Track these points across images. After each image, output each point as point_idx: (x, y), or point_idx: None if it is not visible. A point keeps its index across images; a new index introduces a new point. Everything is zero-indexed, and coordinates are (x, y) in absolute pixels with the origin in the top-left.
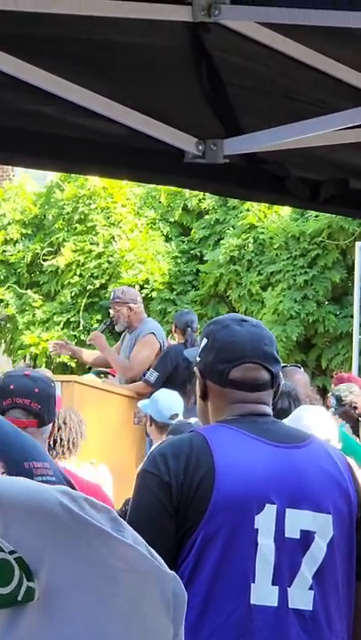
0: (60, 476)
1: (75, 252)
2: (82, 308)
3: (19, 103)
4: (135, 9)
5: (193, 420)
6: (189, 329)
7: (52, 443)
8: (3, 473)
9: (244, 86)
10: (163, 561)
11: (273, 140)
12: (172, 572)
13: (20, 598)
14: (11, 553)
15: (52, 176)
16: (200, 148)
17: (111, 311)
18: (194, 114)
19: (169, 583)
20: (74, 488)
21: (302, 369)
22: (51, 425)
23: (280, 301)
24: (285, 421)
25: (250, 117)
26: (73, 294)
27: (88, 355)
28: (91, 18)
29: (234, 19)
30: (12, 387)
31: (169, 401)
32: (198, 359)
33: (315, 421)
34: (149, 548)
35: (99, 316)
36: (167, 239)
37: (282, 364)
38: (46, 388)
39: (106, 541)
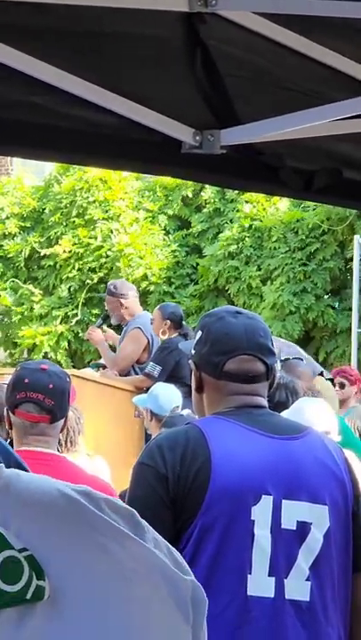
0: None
1: (74, 245)
2: (81, 303)
3: (15, 94)
4: None
5: (185, 411)
6: (184, 322)
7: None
8: None
9: (241, 77)
10: (185, 564)
11: (270, 131)
12: (192, 577)
13: (28, 597)
14: (21, 551)
15: (51, 168)
16: (197, 138)
17: (106, 305)
18: (191, 104)
19: (187, 588)
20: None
21: (305, 361)
22: (63, 420)
23: (279, 295)
24: (286, 413)
25: (247, 108)
26: (71, 289)
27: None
28: (86, 8)
29: (231, 9)
30: (26, 380)
31: (169, 394)
32: (193, 352)
33: (316, 414)
34: (172, 550)
35: (97, 310)
36: (166, 233)
37: (285, 357)
38: (61, 383)
39: (123, 543)
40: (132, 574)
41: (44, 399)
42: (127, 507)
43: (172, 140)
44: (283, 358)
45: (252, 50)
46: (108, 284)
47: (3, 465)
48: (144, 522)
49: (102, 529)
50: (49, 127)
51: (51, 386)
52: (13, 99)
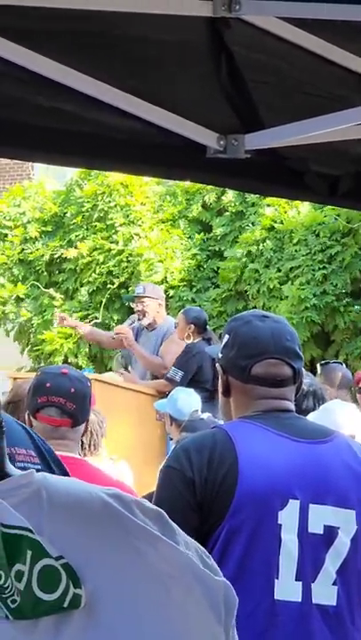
0: (49, 466)
1: (95, 250)
2: (102, 306)
3: (36, 99)
4: (155, 4)
5: (205, 415)
6: (208, 326)
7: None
8: None
9: (265, 82)
10: (215, 565)
11: (295, 135)
12: (223, 578)
13: (65, 605)
14: (57, 559)
15: (72, 173)
16: (221, 143)
17: (137, 306)
18: (214, 109)
19: (220, 590)
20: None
21: (343, 365)
22: (84, 424)
23: (299, 295)
24: (316, 413)
25: (271, 113)
26: (91, 292)
27: (85, 328)
28: (110, 13)
29: (255, 14)
30: (48, 384)
31: (187, 399)
32: (220, 356)
33: (346, 417)
34: (201, 552)
35: (118, 315)
36: (189, 237)
37: (325, 361)
38: (83, 387)
39: (155, 545)
40: (166, 577)
41: (66, 403)
42: (155, 508)
43: (194, 145)
44: (323, 362)
45: (277, 55)
46: (146, 285)
47: (34, 470)
48: (173, 523)
49: (135, 532)
50: (72, 133)
51: (72, 390)
52: (35, 104)
